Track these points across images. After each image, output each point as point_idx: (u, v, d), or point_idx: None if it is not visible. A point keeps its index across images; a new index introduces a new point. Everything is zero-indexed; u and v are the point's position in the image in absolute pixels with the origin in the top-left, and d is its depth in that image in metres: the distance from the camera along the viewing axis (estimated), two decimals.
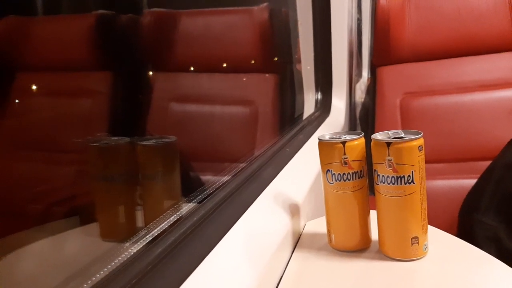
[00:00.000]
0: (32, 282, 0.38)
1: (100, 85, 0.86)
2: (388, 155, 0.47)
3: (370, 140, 0.50)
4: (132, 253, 0.34)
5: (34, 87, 0.71)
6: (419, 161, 0.47)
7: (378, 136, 0.49)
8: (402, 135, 0.48)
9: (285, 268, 0.49)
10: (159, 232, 0.38)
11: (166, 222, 0.40)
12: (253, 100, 1.18)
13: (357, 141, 0.51)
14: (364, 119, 1.37)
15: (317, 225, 0.59)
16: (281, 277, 0.48)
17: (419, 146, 0.47)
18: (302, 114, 1.20)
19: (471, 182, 1.03)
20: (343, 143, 0.50)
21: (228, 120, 1.18)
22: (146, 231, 0.38)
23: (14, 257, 0.43)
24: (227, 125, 1.16)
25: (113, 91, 0.91)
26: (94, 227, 0.53)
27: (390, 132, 0.50)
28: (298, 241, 0.56)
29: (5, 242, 0.43)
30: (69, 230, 0.52)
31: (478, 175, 1.02)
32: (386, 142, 0.47)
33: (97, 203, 0.54)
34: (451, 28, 1.22)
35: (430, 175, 1.07)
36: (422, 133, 0.48)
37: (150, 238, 0.37)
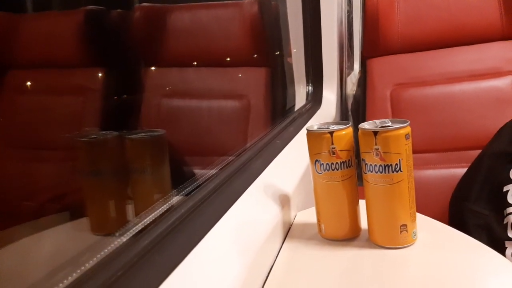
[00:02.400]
0: (14, 278, 0.38)
1: (90, 81, 0.86)
2: (375, 144, 0.47)
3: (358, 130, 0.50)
4: (117, 245, 0.34)
5: (20, 84, 0.70)
6: (406, 149, 0.47)
7: (365, 125, 0.50)
8: (389, 124, 0.49)
9: (276, 258, 0.50)
10: (145, 225, 0.38)
11: (153, 215, 0.40)
12: (245, 94, 1.18)
13: (345, 131, 0.51)
14: (355, 111, 1.37)
15: (308, 216, 0.60)
16: (272, 266, 0.48)
17: (406, 135, 0.47)
18: (293, 106, 1.20)
19: (461, 171, 1.03)
20: (331, 133, 0.50)
21: (220, 114, 1.18)
22: (132, 224, 0.38)
23: (3, 253, 0.43)
24: (218, 119, 1.16)
25: (103, 87, 0.90)
26: (84, 222, 0.53)
27: (378, 121, 0.50)
28: (288, 231, 0.56)
29: None
30: (59, 225, 0.52)
31: (469, 164, 1.03)
32: (373, 131, 0.47)
33: (86, 198, 0.54)
34: (440, 18, 1.22)
35: (421, 165, 1.09)
36: (409, 122, 0.48)
37: (137, 231, 0.37)
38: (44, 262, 0.41)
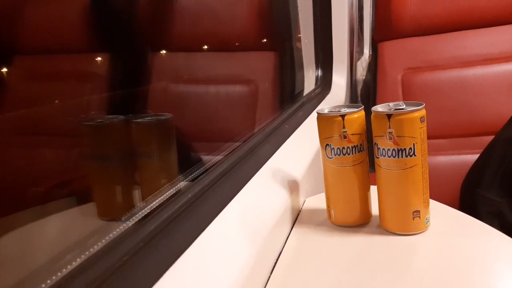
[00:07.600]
0: (21, 261, 0.37)
1: (95, 65, 0.85)
2: (389, 128, 0.46)
3: (371, 114, 0.48)
4: (123, 230, 0.33)
5: (24, 69, 0.69)
6: (420, 133, 0.46)
7: (378, 108, 0.48)
8: (403, 106, 0.47)
9: (284, 243, 0.49)
10: (151, 209, 0.37)
11: (159, 199, 0.39)
12: (253, 79, 1.16)
13: (357, 114, 0.49)
14: (365, 96, 1.35)
15: (317, 201, 0.58)
16: (280, 253, 0.47)
17: (421, 118, 0.46)
18: (302, 91, 1.18)
19: (473, 157, 1.01)
20: (343, 116, 0.49)
21: (228, 99, 1.17)
22: (139, 208, 0.37)
23: (12, 237, 0.42)
24: (226, 104, 1.14)
25: (110, 72, 0.89)
26: (90, 207, 0.52)
27: (391, 104, 0.48)
28: (297, 217, 0.55)
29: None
30: (65, 210, 0.51)
31: (481, 150, 1.01)
32: (387, 114, 0.46)
33: (93, 182, 0.53)
34: (453, 0, 1.19)
35: (433, 150, 1.07)
36: (424, 104, 0.46)
37: (143, 215, 0.36)
38: (50, 246, 0.40)
